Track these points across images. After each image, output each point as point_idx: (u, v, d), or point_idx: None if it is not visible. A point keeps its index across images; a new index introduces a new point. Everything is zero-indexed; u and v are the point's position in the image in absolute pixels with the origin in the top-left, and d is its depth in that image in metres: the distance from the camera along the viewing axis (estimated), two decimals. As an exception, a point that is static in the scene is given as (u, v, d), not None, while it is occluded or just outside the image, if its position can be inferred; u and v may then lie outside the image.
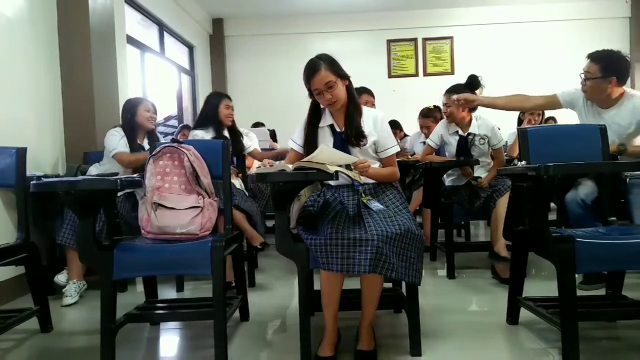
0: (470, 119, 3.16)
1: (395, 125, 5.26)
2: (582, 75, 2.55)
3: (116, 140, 2.99)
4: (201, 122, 3.20)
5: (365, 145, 1.96)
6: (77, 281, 2.83)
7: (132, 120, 3.06)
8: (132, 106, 3.09)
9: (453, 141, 3.19)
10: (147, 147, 3.06)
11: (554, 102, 2.77)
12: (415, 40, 7.39)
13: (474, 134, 3.14)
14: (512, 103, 2.89)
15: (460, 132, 3.16)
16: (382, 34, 7.38)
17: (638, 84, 6.87)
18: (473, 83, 3.09)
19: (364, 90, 3.27)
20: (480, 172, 3.19)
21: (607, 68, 2.46)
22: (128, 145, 2.99)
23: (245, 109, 7.01)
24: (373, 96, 3.34)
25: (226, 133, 3.20)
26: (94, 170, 3.11)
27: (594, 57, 2.52)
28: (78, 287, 2.81)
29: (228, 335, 1.94)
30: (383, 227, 1.70)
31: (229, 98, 3.26)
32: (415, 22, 7.30)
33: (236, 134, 3.25)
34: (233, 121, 3.22)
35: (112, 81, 3.76)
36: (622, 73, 2.50)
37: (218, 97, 3.23)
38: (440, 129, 3.28)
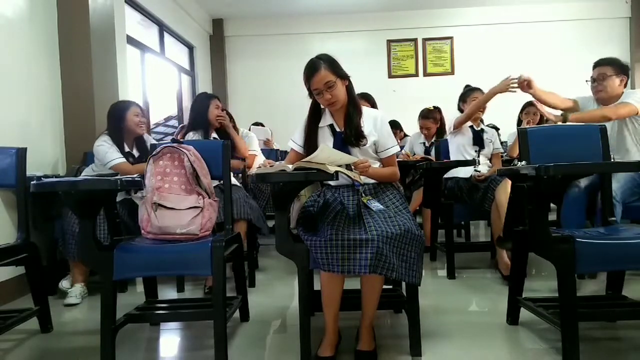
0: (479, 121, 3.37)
1: (395, 126, 5.26)
2: (595, 79, 2.78)
3: (107, 150, 2.84)
4: (193, 125, 3.13)
5: (365, 145, 1.96)
6: (83, 285, 2.85)
7: (119, 125, 2.89)
8: (119, 110, 2.92)
9: (468, 133, 3.31)
10: (136, 154, 2.96)
11: (575, 107, 2.97)
12: (415, 40, 7.39)
13: (485, 131, 3.34)
14: (553, 100, 2.96)
15: (474, 127, 3.32)
16: (382, 34, 7.38)
17: (638, 84, 6.87)
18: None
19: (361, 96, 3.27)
20: (482, 171, 3.20)
21: (619, 68, 2.75)
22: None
23: (245, 109, 7.03)
24: (370, 102, 3.29)
25: (215, 135, 3.13)
26: (89, 171, 3.01)
27: (605, 61, 2.79)
28: (83, 291, 2.83)
29: (228, 335, 1.94)
30: (383, 228, 1.70)
31: (218, 98, 3.20)
32: (415, 22, 7.30)
33: (226, 136, 3.12)
34: (222, 123, 3.12)
35: (112, 81, 3.76)
36: (628, 74, 2.80)
37: (207, 98, 3.16)
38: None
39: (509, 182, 2.79)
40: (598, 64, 2.81)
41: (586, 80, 2.84)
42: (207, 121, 3.11)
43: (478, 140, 3.28)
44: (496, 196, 2.91)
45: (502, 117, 4.78)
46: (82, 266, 2.85)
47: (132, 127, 2.92)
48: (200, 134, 3.10)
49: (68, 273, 2.93)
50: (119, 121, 2.90)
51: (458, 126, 3.28)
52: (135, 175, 2.13)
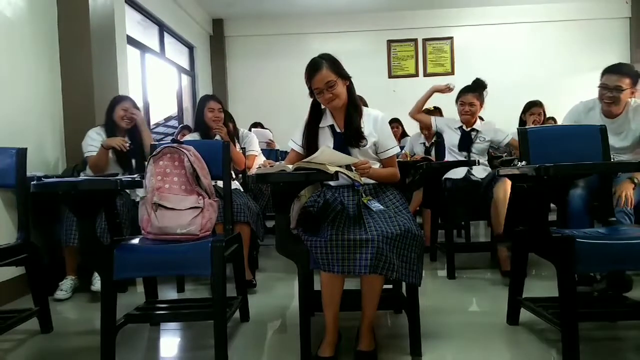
0: (476, 119, 3.34)
1: (394, 119, 5.30)
2: (610, 88, 2.54)
3: (88, 142, 3.02)
4: (194, 126, 3.26)
5: (365, 146, 1.97)
6: (74, 277, 2.88)
7: (110, 118, 3.09)
8: (112, 103, 3.12)
9: (455, 134, 3.31)
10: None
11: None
12: (415, 40, 7.39)
13: (477, 131, 3.30)
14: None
15: (464, 127, 3.30)
16: (382, 34, 7.38)
17: (637, 86, 6.87)
18: (479, 85, 3.29)
19: None
20: (479, 173, 3.20)
21: (635, 81, 2.55)
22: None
23: (245, 109, 7.03)
24: (363, 103, 3.30)
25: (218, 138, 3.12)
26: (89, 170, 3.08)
27: (624, 71, 2.55)
28: (73, 283, 2.86)
29: (228, 335, 1.94)
30: (383, 228, 1.70)
31: (216, 100, 3.18)
32: (415, 23, 7.30)
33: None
34: (224, 125, 3.11)
35: (112, 81, 3.75)
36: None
37: (203, 100, 3.19)
38: (446, 119, 3.51)
39: (509, 181, 2.78)
40: (615, 72, 2.53)
41: (598, 86, 2.60)
42: (204, 123, 3.13)
43: (466, 142, 3.27)
44: (495, 193, 2.91)
45: (502, 117, 4.78)
46: (74, 257, 2.89)
47: (118, 120, 3.09)
48: (197, 136, 3.12)
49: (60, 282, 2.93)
50: (109, 114, 3.11)
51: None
52: (135, 176, 2.13)
